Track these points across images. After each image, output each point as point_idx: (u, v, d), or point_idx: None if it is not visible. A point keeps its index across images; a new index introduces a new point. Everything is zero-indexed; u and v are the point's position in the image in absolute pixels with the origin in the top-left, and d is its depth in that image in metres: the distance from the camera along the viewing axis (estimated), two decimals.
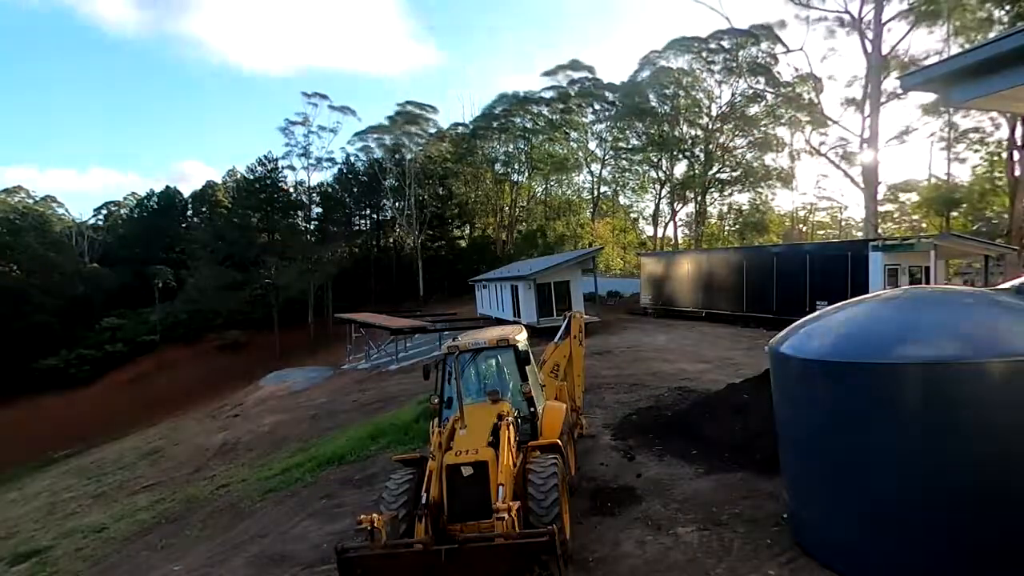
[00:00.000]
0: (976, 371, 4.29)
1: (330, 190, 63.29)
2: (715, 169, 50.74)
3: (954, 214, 36.69)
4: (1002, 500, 4.35)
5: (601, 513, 6.86)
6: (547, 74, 55.33)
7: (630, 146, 54.17)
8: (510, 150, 58.24)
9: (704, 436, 8.69)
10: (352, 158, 62.14)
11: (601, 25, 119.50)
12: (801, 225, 51.57)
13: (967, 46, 26.38)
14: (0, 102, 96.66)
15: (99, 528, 12.12)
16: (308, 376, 31.45)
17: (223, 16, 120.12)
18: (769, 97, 45.47)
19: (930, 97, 18.69)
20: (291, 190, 59.43)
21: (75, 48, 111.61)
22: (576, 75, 54.81)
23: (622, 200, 61.68)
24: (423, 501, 5.51)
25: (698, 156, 50.93)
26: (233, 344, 51.70)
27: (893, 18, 30.38)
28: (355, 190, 62.73)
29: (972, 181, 36.73)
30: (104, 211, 74.20)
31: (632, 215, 63.11)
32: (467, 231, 66.77)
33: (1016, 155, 28.80)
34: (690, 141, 50.68)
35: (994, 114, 29.19)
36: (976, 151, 35.87)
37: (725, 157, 50.19)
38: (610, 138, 55.44)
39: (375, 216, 66.53)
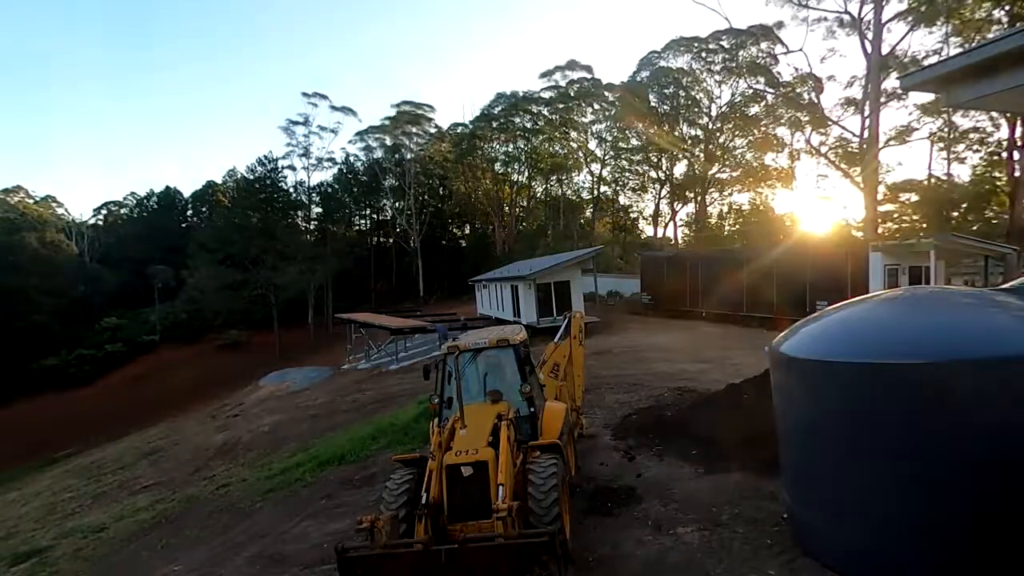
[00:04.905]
0: (976, 371, 4.28)
1: (330, 190, 63.39)
2: (715, 169, 50.72)
3: (954, 214, 36.67)
4: (1002, 500, 4.35)
5: (601, 513, 6.85)
6: (544, 75, 55.32)
7: (630, 146, 54.17)
8: (510, 150, 58.25)
9: (704, 436, 8.67)
10: (352, 158, 62.35)
11: (601, 25, 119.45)
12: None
13: (967, 46, 26.40)
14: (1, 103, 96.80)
15: (99, 528, 12.10)
16: (308, 376, 31.44)
17: None
18: (769, 97, 45.47)
19: (930, 97, 18.71)
20: (291, 190, 59.54)
21: (73, 45, 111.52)
22: (574, 75, 54.73)
23: (622, 200, 61.71)
24: (423, 501, 5.50)
25: (698, 156, 50.91)
26: (233, 344, 51.71)
27: (893, 18, 30.41)
28: (355, 190, 62.83)
29: (972, 181, 36.73)
30: (104, 211, 74.19)
31: (632, 215, 63.17)
32: (467, 231, 66.76)
33: (1016, 155, 28.85)
34: (690, 141, 50.66)
35: (994, 114, 29.20)
36: (976, 151, 35.92)
37: (725, 157, 50.17)
38: (610, 138, 55.43)
39: (375, 216, 66.62)
